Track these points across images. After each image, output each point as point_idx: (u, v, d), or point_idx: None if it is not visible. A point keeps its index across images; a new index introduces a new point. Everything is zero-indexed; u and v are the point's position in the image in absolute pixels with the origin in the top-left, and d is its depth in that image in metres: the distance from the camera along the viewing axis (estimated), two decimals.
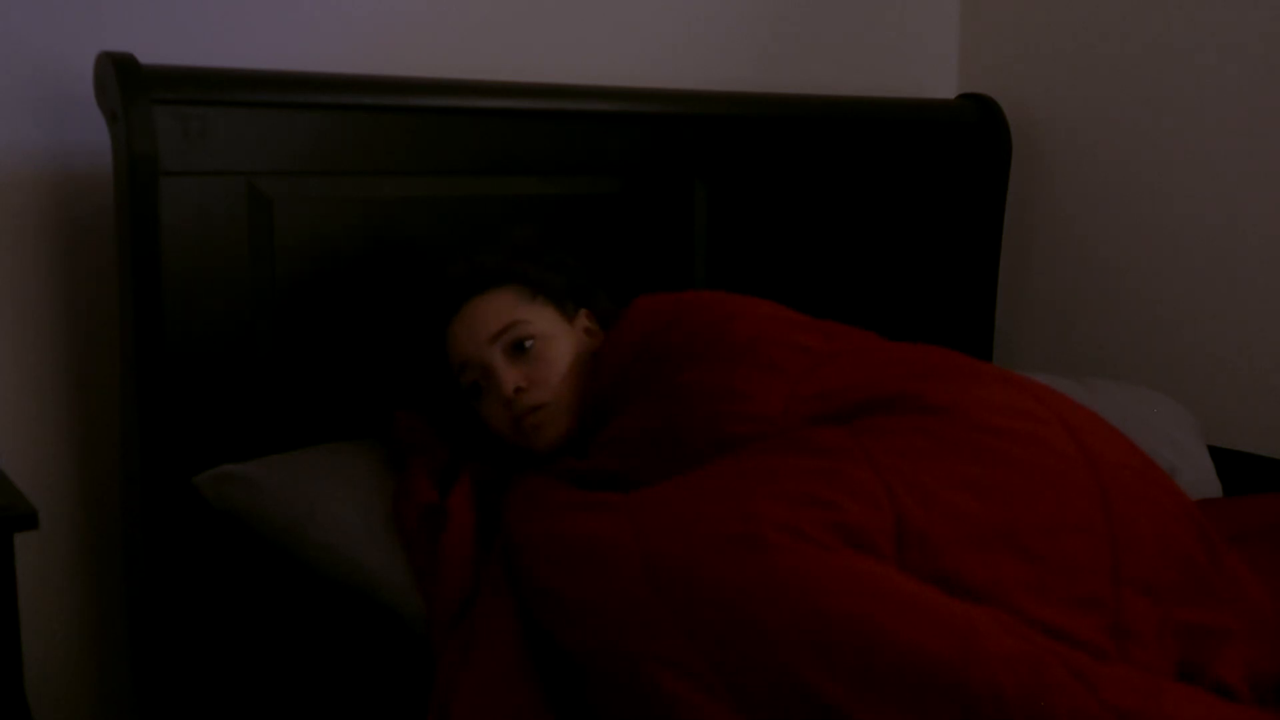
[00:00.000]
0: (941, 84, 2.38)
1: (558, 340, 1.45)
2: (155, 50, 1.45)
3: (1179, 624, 1.10)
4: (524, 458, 1.45)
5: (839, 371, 1.33)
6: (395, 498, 1.37)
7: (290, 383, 1.55)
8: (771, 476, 1.14)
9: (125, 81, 1.36)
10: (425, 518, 1.32)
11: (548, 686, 1.12)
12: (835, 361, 1.35)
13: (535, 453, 1.44)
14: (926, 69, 2.37)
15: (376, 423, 1.52)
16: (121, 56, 1.38)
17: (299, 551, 1.35)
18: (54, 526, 1.57)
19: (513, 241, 1.54)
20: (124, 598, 1.57)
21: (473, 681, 1.11)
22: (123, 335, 1.44)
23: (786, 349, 1.36)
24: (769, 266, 1.98)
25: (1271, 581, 1.25)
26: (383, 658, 1.26)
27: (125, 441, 1.47)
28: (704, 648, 1.01)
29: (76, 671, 1.64)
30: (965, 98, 2.27)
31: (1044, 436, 1.18)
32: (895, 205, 2.14)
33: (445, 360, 1.49)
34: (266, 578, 1.41)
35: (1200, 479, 1.71)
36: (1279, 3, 1.93)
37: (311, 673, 1.35)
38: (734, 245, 1.94)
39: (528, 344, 1.43)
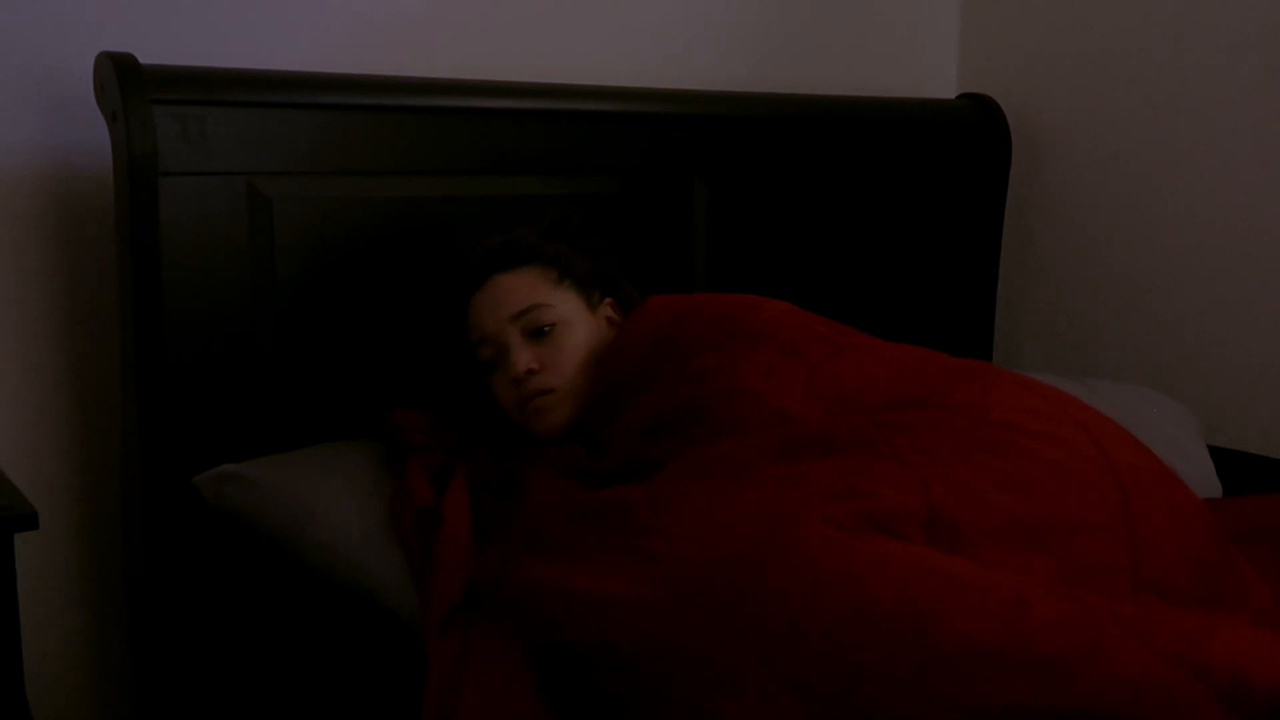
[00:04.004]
0: (941, 84, 2.38)
1: (576, 327, 1.46)
2: (155, 50, 1.45)
3: None
4: (528, 439, 1.45)
5: (857, 363, 1.32)
6: (393, 499, 1.37)
7: (290, 382, 1.55)
8: (803, 478, 1.12)
9: (125, 81, 1.36)
10: (421, 520, 1.32)
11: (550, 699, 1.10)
12: (852, 353, 1.34)
13: (534, 436, 1.44)
14: (926, 69, 2.36)
15: (376, 423, 1.52)
16: (121, 56, 1.38)
17: (298, 552, 1.35)
18: (54, 526, 1.57)
19: (551, 221, 1.54)
20: (124, 598, 1.57)
21: (477, 686, 1.10)
22: (123, 335, 1.44)
23: (805, 335, 1.36)
24: (769, 266, 1.98)
25: (1273, 582, 1.24)
26: (381, 658, 1.26)
27: (125, 441, 1.47)
28: (760, 651, 0.97)
29: (76, 671, 1.64)
30: (965, 98, 2.27)
31: (1065, 437, 1.17)
32: (895, 205, 2.14)
33: (464, 331, 1.49)
34: (266, 578, 1.41)
35: (1200, 479, 1.71)
36: (1279, 3, 1.93)
37: (310, 673, 1.34)
38: (734, 245, 1.94)
39: (546, 328, 1.44)
